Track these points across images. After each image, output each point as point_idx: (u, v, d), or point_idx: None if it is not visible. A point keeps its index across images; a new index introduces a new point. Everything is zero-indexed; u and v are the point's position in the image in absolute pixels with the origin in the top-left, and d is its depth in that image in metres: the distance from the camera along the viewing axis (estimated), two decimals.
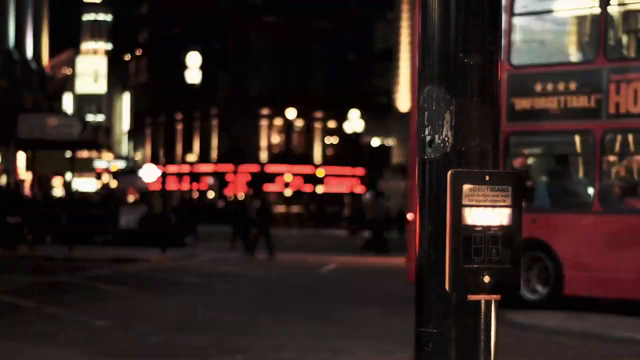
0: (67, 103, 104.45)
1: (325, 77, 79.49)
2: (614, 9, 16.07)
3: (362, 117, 66.17)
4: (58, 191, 45.57)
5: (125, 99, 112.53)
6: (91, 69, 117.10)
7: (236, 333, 13.27)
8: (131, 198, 40.68)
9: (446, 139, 2.89)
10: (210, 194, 77.27)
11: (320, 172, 74.52)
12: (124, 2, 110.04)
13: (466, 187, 2.85)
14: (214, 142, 79.67)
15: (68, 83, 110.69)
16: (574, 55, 17.38)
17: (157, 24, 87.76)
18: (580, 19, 16.96)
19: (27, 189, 40.37)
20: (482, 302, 2.89)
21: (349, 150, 77.29)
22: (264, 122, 79.10)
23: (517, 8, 16.48)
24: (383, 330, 14.08)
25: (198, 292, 19.43)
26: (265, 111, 78.48)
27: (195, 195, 75.59)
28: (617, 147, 16.00)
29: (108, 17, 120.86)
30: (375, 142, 68.09)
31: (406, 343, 11.19)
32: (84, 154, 54.28)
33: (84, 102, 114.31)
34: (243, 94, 77.96)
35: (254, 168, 76.70)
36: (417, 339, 2.93)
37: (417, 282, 2.94)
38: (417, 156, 2.96)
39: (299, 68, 78.88)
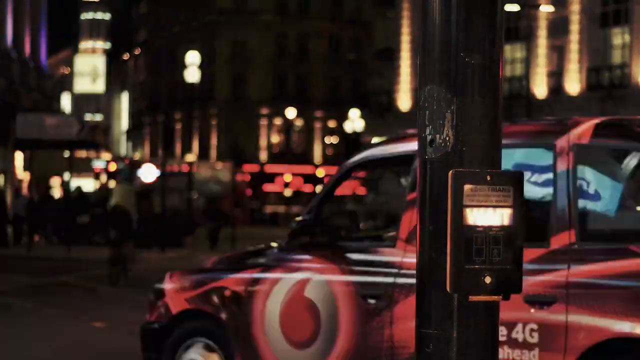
0: (66, 102, 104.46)
1: (325, 76, 79.51)
2: None
3: (362, 116, 66.20)
4: (56, 191, 45.56)
5: (124, 98, 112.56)
6: (89, 68, 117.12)
7: None
8: None
9: (447, 138, 2.88)
10: None
11: (320, 172, 74.53)
12: (123, 1, 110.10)
13: (467, 187, 2.85)
14: (213, 141, 79.66)
15: (66, 82, 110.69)
16: None
17: (155, 22, 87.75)
18: None
19: (24, 190, 40.35)
20: (483, 302, 2.89)
21: (349, 150, 77.32)
22: (263, 122, 79.10)
23: None
24: None
25: None
26: (264, 111, 78.48)
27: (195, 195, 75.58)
28: None
29: (106, 16, 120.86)
30: (376, 141, 68.14)
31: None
32: (82, 153, 54.31)
33: (83, 102, 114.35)
34: (242, 94, 77.97)
35: (254, 168, 76.72)
36: (418, 340, 2.93)
37: (418, 282, 2.94)
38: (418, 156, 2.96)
39: (298, 67, 78.88)
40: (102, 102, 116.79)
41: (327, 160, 79.08)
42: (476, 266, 2.85)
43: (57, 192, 42.75)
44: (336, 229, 7.64)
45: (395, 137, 7.40)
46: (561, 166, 5.79)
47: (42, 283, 20.54)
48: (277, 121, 79.07)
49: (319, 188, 73.78)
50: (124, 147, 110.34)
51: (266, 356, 6.95)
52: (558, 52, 52.40)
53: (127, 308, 16.13)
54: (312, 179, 74.50)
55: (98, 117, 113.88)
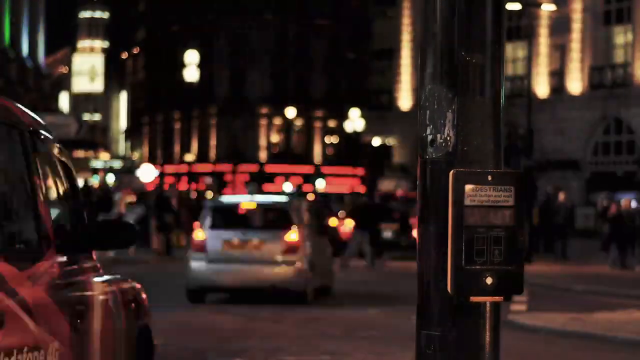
0: (64, 102, 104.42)
1: (325, 75, 79.47)
2: None
3: (363, 116, 66.13)
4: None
5: (123, 97, 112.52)
6: (88, 67, 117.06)
7: (234, 335, 13.26)
8: (129, 198, 40.62)
9: (448, 138, 2.88)
10: (209, 194, 77.20)
11: (321, 172, 74.49)
12: (121, 0, 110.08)
13: (468, 187, 2.84)
14: (213, 141, 79.65)
15: (64, 82, 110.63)
16: None
17: (154, 21, 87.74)
18: None
19: None
20: (485, 303, 2.89)
21: (349, 150, 77.27)
22: (263, 122, 79.07)
23: None
24: (383, 331, 14.07)
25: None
26: (264, 110, 78.45)
27: (194, 195, 75.56)
28: None
29: (105, 15, 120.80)
30: (376, 141, 68.08)
31: (407, 345, 11.19)
32: (80, 153, 54.28)
33: (81, 101, 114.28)
34: (242, 93, 77.94)
35: (253, 168, 76.66)
36: (419, 341, 2.93)
37: (419, 283, 2.94)
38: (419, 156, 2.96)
39: (298, 66, 78.86)
40: (101, 102, 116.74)
41: (327, 160, 79.02)
42: (477, 267, 2.85)
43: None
44: None
45: None
46: None
47: None
48: (277, 121, 79.02)
49: (319, 187, 73.61)
50: (122, 147, 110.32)
51: None
52: (560, 51, 52.36)
53: None
54: (312, 179, 74.47)
55: (96, 117, 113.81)
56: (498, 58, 2.92)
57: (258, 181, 73.32)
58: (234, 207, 18.55)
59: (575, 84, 51.41)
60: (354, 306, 17.52)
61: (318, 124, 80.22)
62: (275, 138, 79.81)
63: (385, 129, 63.80)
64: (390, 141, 64.28)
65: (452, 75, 2.88)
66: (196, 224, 18.53)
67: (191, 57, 64.75)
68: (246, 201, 18.86)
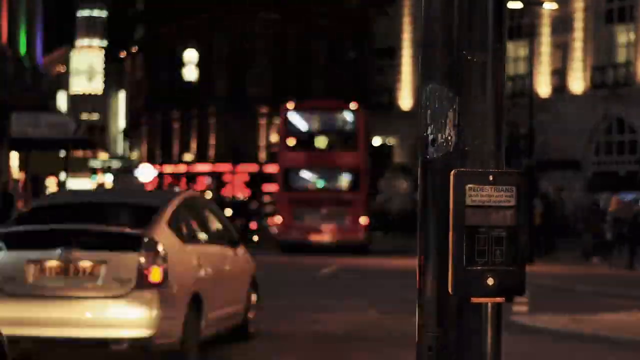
0: (62, 101, 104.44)
1: (325, 75, 79.50)
2: None
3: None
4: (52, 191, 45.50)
5: (121, 97, 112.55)
6: (86, 66, 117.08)
7: (235, 337, 13.26)
8: None
9: (449, 138, 2.88)
10: (208, 195, 77.20)
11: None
12: None
13: (469, 187, 2.85)
14: (212, 141, 79.69)
15: (62, 81, 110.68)
16: None
17: (153, 20, 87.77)
18: None
19: (20, 189, 40.31)
20: (486, 304, 2.89)
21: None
22: (262, 121, 79.11)
23: None
24: (384, 332, 14.08)
25: None
26: (264, 110, 78.49)
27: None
28: None
29: (103, 14, 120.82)
30: (377, 141, 68.08)
31: (408, 346, 11.20)
32: (78, 153, 54.29)
33: (79, 101, 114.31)
34: (241, 92, 77.97)
35: (253, 168, 76.69)
36: (420, 342, 2.93)
37: (420, 284, 2.94)
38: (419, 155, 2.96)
39: (298, 66, 78.89)
40: (99, 101, 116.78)
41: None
42: (478, 267, 2.85)
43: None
44: None
45: None
46: None
47: None
48: (277, 120, 79.06)
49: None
50: (120, 147, 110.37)
51: None
52: (562, 50, 52.37)
53: None
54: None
55: (95, 117, 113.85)
56: (499, 57, 2.92)
57: (258, 181, 73.35)
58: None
59: (577, 83, 51.42)
60: (354, 307, 17.52)
61: None
62: (275, 138, 79.83)
63: (385, 129, 63.82)
64: (391, 141, 64.29)
65: (453, 74, 2.88)
66: None
67: (190, 56, 64.66)
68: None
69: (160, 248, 10.17)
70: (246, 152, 77.17)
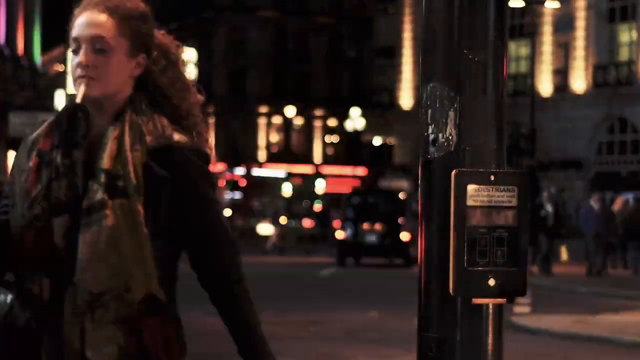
0: (60, 100, 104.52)
1: (325, 74, 79.52)
2: None
3: (364, 115, 66.16)
4: None
5: None
6: None
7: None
8: None
9: (450, 137, 2.88)
10: None
11: (321, 172, 74.54)
12: None
13: (470, 187, 2.85)
14: (211, 140, 79.70)
15: (60, 80, 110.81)
16: None
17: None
18: None
19: None
20: (487, 305, 2.89)
21: (350, 150, 77.30)
22: (262, 121, 79.12)
23: None
24: (385, 333, 14.08)
25: (193, 295, 19.42)
26: (263, 109, 78.51)
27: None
28: None
29: None
30: (377, 140, 68.13)
31: (409, 347, 11.20)
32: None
33: None
34: (240, 92, 77.99)
35: (252, 168, 76.70)
36: (420, 344, 2.93)
37: (420, 284, 2.94)
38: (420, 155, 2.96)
39: (298, 65, 78.90)
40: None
41: (327, 160, 79.08)
42: (480, 268, 2.85)
43: None
44: None
45: None
46: None
47: None
48: (276, 120, 79.07)
49: (318, 188, 73.42)
50: None
51: None
52: (563, 49, 52.38)
53: None
54: (311, 179, 74.51)
55: None
56: (501, 56, 2.92)
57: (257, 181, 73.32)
58: None
59: (579, 83, 51.43)
60: (354, 308, 17.52)
61: (318, 123, 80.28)
62: (274, 137, 79.85)
63: (386, 128, 63.83)
64: (391, 140, 64.31)
65: (454, 74, 2.88)
66: None
67: (189, 55, 64.63)
68: None
69: None
70: (245, 152, 77.19)
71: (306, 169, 76.68)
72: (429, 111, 2.91)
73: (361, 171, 76.90)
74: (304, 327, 14.56)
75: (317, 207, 66.18)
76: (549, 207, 30.74)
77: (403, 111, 60.64)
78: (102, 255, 2.88)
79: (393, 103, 62.73)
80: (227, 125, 78.11)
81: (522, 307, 16.79)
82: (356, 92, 76.36)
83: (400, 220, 31.63)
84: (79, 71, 3.09)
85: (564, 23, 51.26)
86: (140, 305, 2.94)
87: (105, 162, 2.93)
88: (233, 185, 72.56)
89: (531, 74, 39.47)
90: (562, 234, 32.46)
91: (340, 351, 12.33)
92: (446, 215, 2.85)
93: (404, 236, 30.87)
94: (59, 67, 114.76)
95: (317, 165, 77.13)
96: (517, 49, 53.46)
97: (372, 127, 65.03)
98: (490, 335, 2.90)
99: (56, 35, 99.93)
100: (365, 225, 31.18)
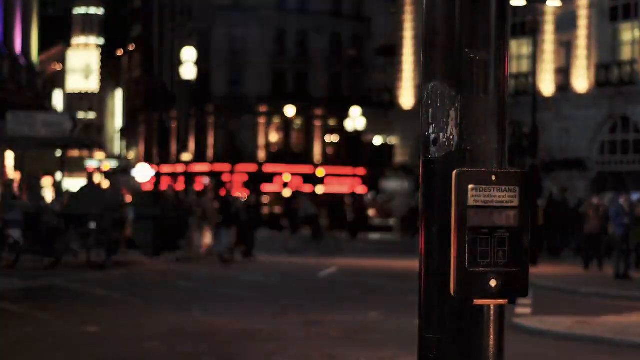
0: (58, 100, 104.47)
1: (325, 73, 79.50)
2: None
3: (364, 114, 66.15)
4: (48, 192, 45.51)
5: (118, 95, 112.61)
6: (82, 64, 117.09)
7: (233, 338, 13.26)
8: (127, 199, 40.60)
9: (451, 137, 2.88)
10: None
11: (320, 172, 74.49)
12: None
13: (472, 187, 2.84)
14: (210, 140, 79.69)
15: (58, 79, 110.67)
16: None
17: (150, 18, 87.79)
18: None
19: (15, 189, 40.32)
20: (489, 306, 2.89)
21: (350, 149, 77.28)
22: (261, 120, 79.10)
23: None
24: (385, 335, 14.08)
25: (193, 296, 19.43)
26: (263, 109, 78.48)
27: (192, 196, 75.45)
28: None
29: (100, 11, 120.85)
30: (378, 140, 68.12)
31: (409, 349, 11.19)
32: (74, 152, 54.27)
33: (75, 99, 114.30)
34: (240, 91, 77.98)
35: (252, 168, 76.70)
36: (421, 345, 2.93)
37: (421, 285, 2.93)
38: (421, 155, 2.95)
39: (298, 64, 78.89)
40: (95, 100, 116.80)
41: (327, 160, 79.05)
42: (481, 269, 2.85)
43: (49, 193, 42.60)
44: None
45: None
46: None
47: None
48: (276, 119, 79.06)
49: (318, 188, 73.40)
50: (117, 146, 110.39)
51: None
52: (565, 47, 52.36)
53: None
54: (311, 179, 74.49)
55: (91, 115, 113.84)
56: (502, 55, 2.92)
57: (257, 181, 73.33)
58: None
59: (581, 82, 51.42)
60: (354, 308, 17.51)
61: (318, 123, 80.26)
62: (274, 137, 79.83)
63: (386, 128, 63.80)
64: (392, 140, 64.28)
65: (455, 73, 2.88)
66: None
67: (188, 55, 64.64)
68: None
69: None
70: (245, 152, 77.16)
71: (306, 169, 76.66)
72: (430, 110, 2.91)
73: (361, 171, 76.88)
74: (304, 327, 14.56)
75: None
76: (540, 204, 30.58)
77: (404, 110, 60.60)
78: None
79: (393, 102, 62.69)
80: (226, 125, 78.10)
81: (523, 308, 16.79)
82: (356, 92, 76.36)
83: None
84: None
85: (566, 22, 51.24)
86: None
87: None
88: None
89: (533, 73, 39.42)
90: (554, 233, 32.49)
91: (341, 352, 12.33)
92: (447, 216, 2.85)
93: None
94: (57, 67, 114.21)
95: (316, 165, 77.10)
96: (519, 47, 53.45)
97: (373, 127, 65.01)
98: (492, 336, 2.89)
99: (54, 34, 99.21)
100: None
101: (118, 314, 16.08)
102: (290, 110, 73.78)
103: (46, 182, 47.72)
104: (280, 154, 78.16)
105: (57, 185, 43.12)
